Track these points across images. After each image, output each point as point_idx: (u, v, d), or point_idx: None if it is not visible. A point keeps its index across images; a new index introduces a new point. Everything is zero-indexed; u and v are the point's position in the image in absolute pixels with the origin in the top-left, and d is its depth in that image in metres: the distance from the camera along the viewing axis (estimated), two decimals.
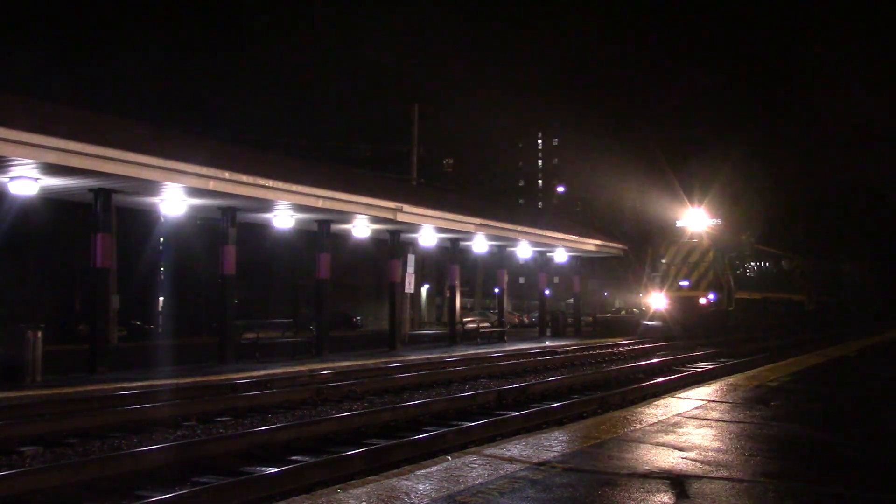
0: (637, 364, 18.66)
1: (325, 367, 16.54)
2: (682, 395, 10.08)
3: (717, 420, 7.83)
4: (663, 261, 30.03)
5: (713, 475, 5.35)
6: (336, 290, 25.10)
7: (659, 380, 14.85)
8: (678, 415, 8.07)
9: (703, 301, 28.55)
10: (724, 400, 9.44)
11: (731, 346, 24.36)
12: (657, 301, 29.42)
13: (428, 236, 25.37)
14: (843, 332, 33.24)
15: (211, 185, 16.29)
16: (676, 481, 5.15)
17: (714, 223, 31.46)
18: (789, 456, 6.31)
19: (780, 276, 38.23)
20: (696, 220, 30.82)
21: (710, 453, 6.10)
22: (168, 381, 13.59)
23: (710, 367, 18.14)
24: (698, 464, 5.70)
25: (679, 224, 31.23)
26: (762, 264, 35.90)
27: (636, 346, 25.09)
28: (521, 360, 19.08)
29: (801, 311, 39.84)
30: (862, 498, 4.98)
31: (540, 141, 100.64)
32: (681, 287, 29.22)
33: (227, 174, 16.52)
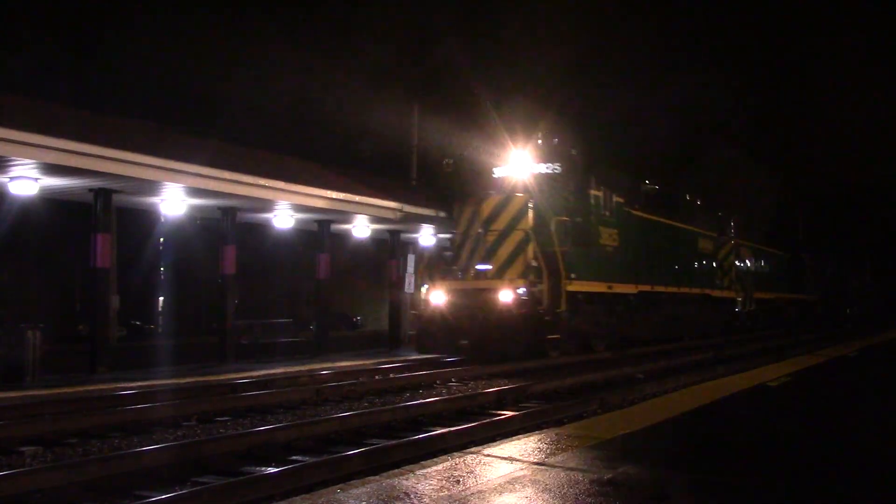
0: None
1: (325, 367, 16.53)
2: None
3: None
4: (455, 230, 18.79)
5: None
6: (336, 290, 25.08)
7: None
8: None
9: (506, 297, 16.64)
10: None
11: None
12: (437, 297, 17.57)
13: (428, 236, 25.38)
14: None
15: (211, 185, 16.31)
16: None
17: (548, 169, 18.99)
18: None
19: (721, 268, 27.89)
20: (520, 166, 18.77)
21: None
22: (168, 381, 13.60)
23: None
24: None
25: (498, 173, 19.10)
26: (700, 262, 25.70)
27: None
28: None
29: (726, 311, 28.55)
30: None
31: (540, 141, 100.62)
32: (477, 273, 17.57)
33: (227, 174, 16.54)
